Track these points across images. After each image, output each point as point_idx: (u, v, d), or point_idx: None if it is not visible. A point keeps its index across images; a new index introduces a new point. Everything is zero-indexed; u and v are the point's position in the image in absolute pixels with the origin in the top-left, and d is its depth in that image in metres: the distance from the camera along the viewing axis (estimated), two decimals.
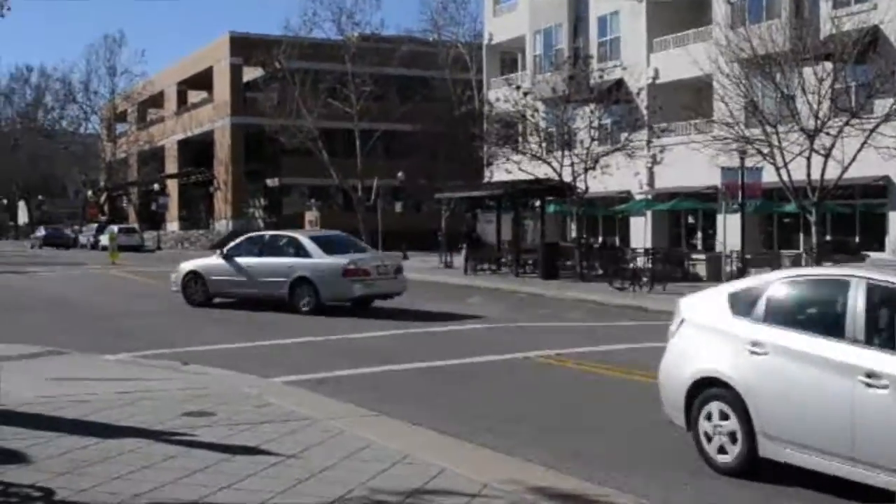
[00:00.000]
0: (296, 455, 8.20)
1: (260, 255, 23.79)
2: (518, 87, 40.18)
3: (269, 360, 14.83)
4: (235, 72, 75.76)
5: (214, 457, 8.08)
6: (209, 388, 11.58)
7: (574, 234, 40.51)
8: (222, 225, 77.16)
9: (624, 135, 38.22)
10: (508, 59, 57.10)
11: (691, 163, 36.27)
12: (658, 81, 42.28)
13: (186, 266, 25.02)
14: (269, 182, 76.68)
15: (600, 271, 34.93)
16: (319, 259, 22.70)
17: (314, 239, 24.04)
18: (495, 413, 11.16)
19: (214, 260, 24.82)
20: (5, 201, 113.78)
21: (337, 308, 22.95)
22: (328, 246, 23.53)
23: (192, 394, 11.04)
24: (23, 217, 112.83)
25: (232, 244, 25.33)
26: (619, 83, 41.54)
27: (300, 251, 23.15)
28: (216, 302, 24.15)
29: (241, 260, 23.75)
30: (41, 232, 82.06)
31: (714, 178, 30.69)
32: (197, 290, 24.23)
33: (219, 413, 9.91)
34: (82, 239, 76.84)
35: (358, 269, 22.63)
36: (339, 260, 22.69)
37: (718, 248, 35.29)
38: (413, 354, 15.64)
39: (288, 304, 22.63)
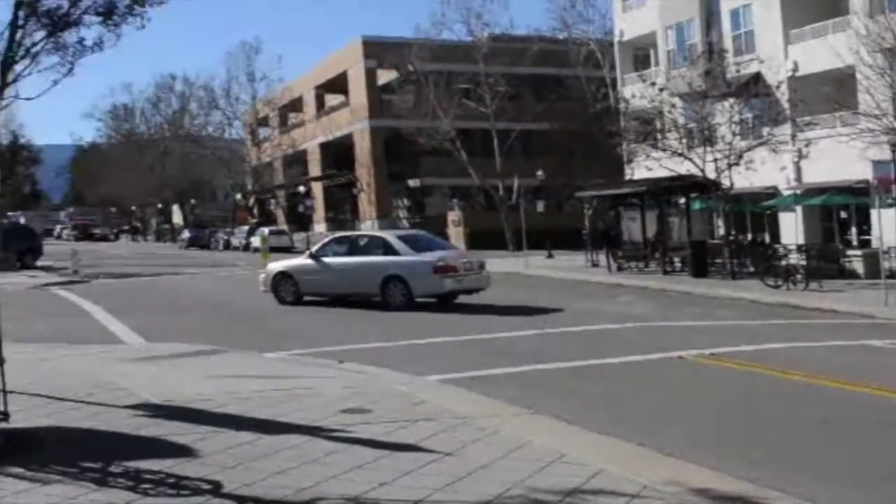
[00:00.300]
0: (452, 453, 8.20)
1: (349, 254, 24.66)
2: (653, 84, 39.56)
3: (420, 359, 14.92)
4: (370, 75, 76.60)
5: (373, 453, 8.16)
6: (365, 385, 11.72)
7: (721, 231, 39.65)
8: (367, 226, 78.08)
9: (766, 129, 37.22)
10: (641, 54, 56.27)
11: (840, 156, 35.11)
12: (798, 74, 40.97)
13: (276, 267, 25.99)
14: (411, 183, 77.38)
15: (751, 269, 34.06)
16: (410, 257, 23.48)
17: (401, 238, 24.96)
18: (651, 413, 10.99)
19: (303, 261, 25.64)
20: (160, 205, 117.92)
21: (465, 305, 23.45)
22: (415, 244, 24.42)
23: (349, 391, 11.19)
24: (177, 220, 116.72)
25: (318, 245, 26.40)
26: (757, 77, 40.44)
27: (388, 250, 24.00)
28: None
29: (330, 260, 24.63)
30: (185, 235, 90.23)
31: (866, 172, 29.64)
32: (287, 289, 24.99)
33: (375, 410, 10.01)
34: (234, 241, 78.78)
35: (448, 265, 23.46)
36: (429, 257, 23.54)
37: (874, 243, 34.03)
38: (565, 353, 15.53)
39: (380, 300, 23.44)
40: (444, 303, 23.85)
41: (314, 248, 26.02)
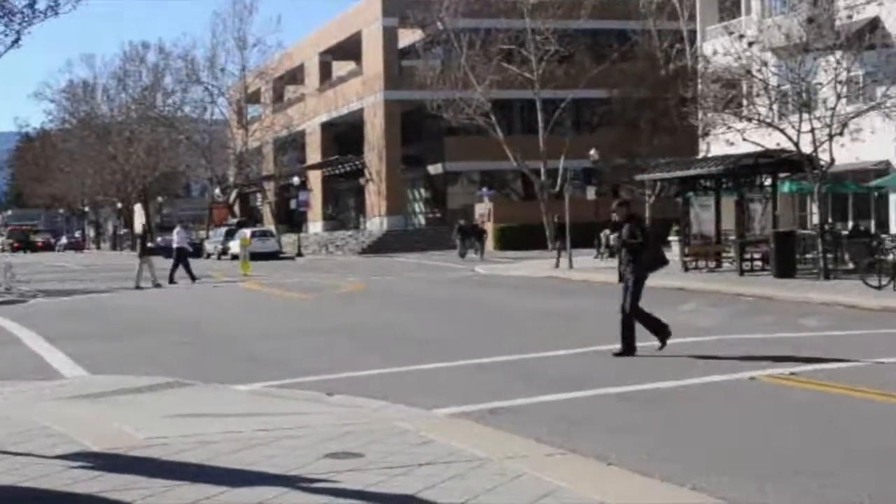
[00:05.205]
0: None
1: None
2: (741, 37, 39.45)
3: (429, 388, 15.03)
4: (389, 36, 76.98)
5: None
6: (357, 422, 11.82)
7: (816, 219, 39.53)
8: (375, 224, 78.53)
9: (881, 89, 37.06)
10: (728, 1, 56.13)
11: None
12: None
13: None
14: (431, 169, 77.62)
15: (850, 265, 34.07)
16: None
17: None
18: (713, 449, 11.00)
19: None
20: (119, 205, 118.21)
21: None
22: None
23: (338, 430, 11.28)
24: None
25: None
26: (874, 23, 40.12)
27: None
28: (375, 318, 24.59)
29: None
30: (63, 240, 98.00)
31: None
32: None
33: (369, 454, 10.08)
34: (208, 247, 78.86)
35: None
36: None
37: None
38: (609, 377, 15.55)
39: None
40: None
41: None
